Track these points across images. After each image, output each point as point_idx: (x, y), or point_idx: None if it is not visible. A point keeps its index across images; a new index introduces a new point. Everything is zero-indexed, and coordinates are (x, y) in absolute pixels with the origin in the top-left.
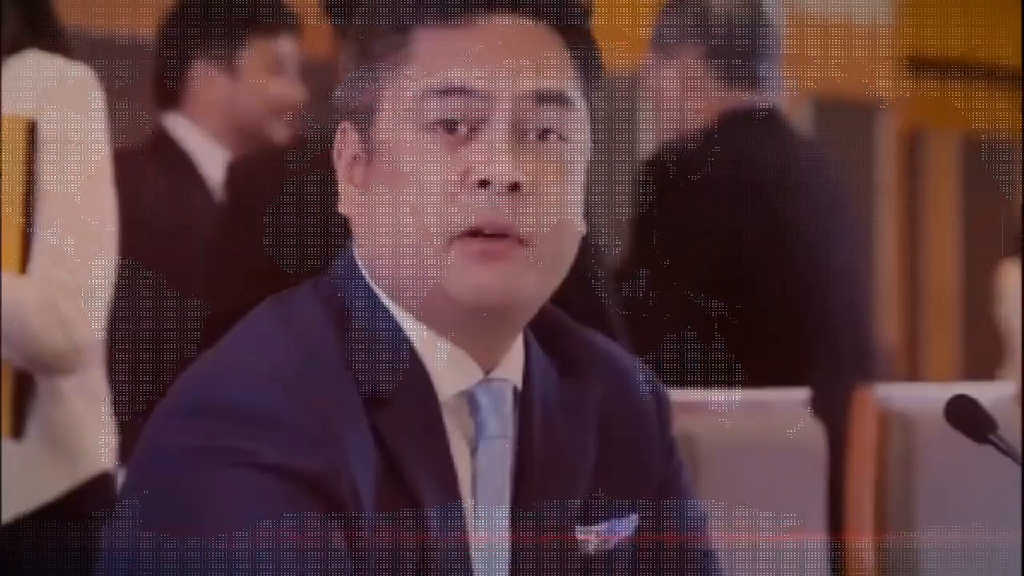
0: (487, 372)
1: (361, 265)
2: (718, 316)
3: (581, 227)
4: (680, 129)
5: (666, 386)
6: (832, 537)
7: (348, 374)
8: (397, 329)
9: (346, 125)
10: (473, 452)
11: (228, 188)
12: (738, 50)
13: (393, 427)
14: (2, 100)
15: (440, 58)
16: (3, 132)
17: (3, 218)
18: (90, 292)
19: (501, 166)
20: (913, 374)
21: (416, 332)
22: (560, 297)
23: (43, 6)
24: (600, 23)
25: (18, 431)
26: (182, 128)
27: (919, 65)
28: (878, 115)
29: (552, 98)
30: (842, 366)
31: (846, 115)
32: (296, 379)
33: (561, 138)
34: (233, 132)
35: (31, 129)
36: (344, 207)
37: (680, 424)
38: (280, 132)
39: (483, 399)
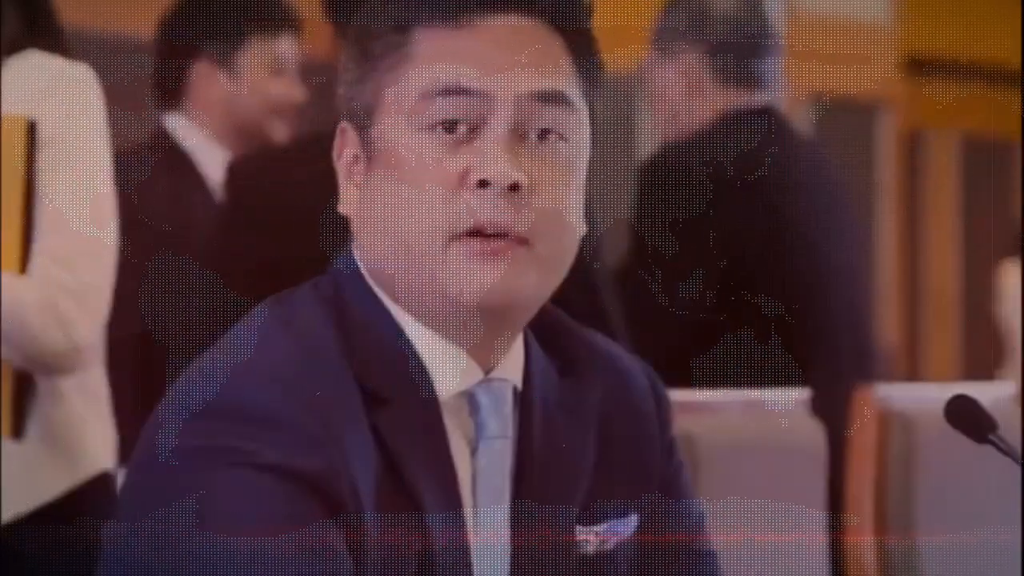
0: (487, 372)
1: (361, 265)
2: (718, 316)
3: (581, 227)
4: (680, 129)
5: (666, 386)
6: (832, 537)
7: (348, 374)
8: (397, 329)
9: (346, 125)
10: (473, 452)
11: (228, 188)
12: (738, 50)
13: (393, 427)
14: (2, 100)
15: (440, 58)
16: (3, 132)
17: (3, 218)
18: (90, 292)
19: (501, 166)
20: (913, 374)
21: (416, 332)
22: (560, 297)
23: (43, 6)
24: (600, 23)
25: (18, 431)
26: (182, 128)
27: (919, 65)
28: (878, 115)
29: (552, 98)
30: (842, 366)
31: (846, 115)
32: (296, 379)
33: (561, 138)
34: (233, 132)
35: (31, 129)
36: (344, 207)
37: (680, 424)
38: (280, 132)
39: (483, 399)
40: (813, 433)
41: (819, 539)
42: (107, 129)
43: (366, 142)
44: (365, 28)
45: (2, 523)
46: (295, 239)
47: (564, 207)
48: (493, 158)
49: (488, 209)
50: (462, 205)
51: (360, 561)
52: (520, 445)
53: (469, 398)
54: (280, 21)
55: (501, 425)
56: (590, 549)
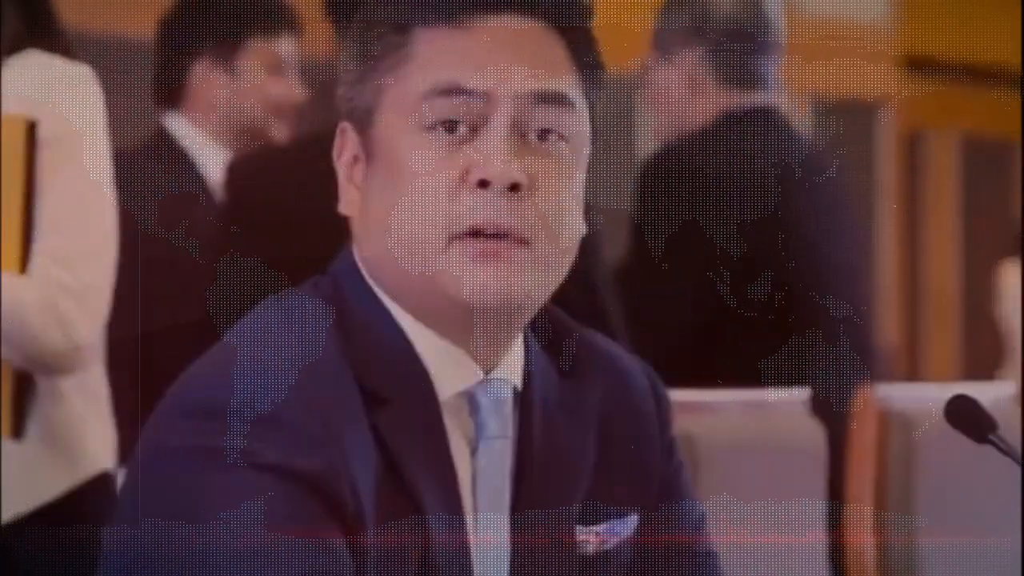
0: (487, 372)
1: (361, 265)
2: (718, 316)
3: (581, 227)
4: (680, 129)
5: (666, 386)
6: (832, 537)
7: (348, 374)
8: (397, 329)
9: (346, 125)
10: (473, 452)
11: (228, 188)
12: (738, 50)
13: (393, 427)
14: (2, 100)
15: (440, 58)
16: (3, 132)
17: (3, 218)
18: (90, 292)
19: (501, 166)
20: (913, 374)
21: (416, 332)
22: (560, 297)
23: (43, 6)
24: (600, 23)
25: (18, 431)
26: (182, 128)
27: (919, 65)
28: (878, 115)
29: (552, 98)
30: (842, 366)
31: (846, 115)
32: (296, 379)
33: (561, 138)
34: (233, 132)
35: (31, 129)
36: (344, 207)
37: (680, 424)
38: (280, 132)
39: (483, 399)
40: (813, 433)
41: (819, 539)
42: (107, 129)
43: (366, 142)
44: (365, 28)
45: (2, 523)
46: (295, 239)
47: (564, 207)
48: (493, 158)
49: (488, 209)
50: (462, 205)
51: (360, 561)
52: (520, 445)
53: (469, 398)
54: (280, 21)
55: (501, 425)
56: (590, 549)
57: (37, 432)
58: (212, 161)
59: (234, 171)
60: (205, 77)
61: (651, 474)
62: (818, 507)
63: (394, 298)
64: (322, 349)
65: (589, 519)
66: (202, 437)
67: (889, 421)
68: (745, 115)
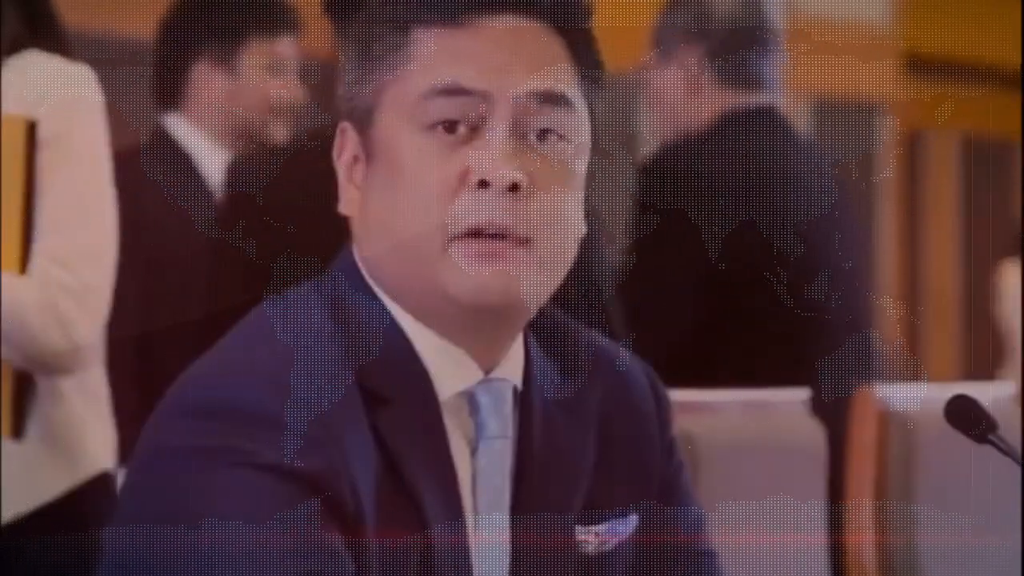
0: (487, 372)
1: (361, 265)
2: (718, 316)
3: (581, 227)
4: (680, 129)
5: (666, 386)
6: (832, 537)
7: (348, 374)
8: (397, 329)
9: (346, 125)
10: (473, 452)
11: (228, 188)
12: (738, 50)
13: (393, 427)
14: (2, 100)
15: (440, 58)
16: (3, 132)
17: (3, 218)
18: (90, 292)
19: (501, 166)
20: (913, 374)
21: (416, 332)
22: (560, 297)
23: (43, 6)
24: (600, 23)
25: (18, 431)
26: (182, 128)
27: (919, 65)
28: (878, 115)
29: (552, 98)
30: (842, 366)
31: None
32: (296, 379)
33: (561, 138)
34: (233, 132)
35: (31, 129)
36: (344, 207)
37: (680, 424)
38: (280, 132)
39: (483, 399)
40: (813, 433)
41: (819, 539)
42: (107, 129)
43: (366, 142)
44: (365, 28)
45: (2, 523)
46: (295, 239)
47: (564, 207)
48: (493, 158)
49: (488, 209)
50: (462, 205)
51: (360, 561)
52: (520, 445)
53: (469, 398)
54: (280, 21)
55: (501, 425)
56: (590, 549)
57: (37, 432)
58: (212, 161)
59: (234, 171)
60: (205, 77)
61: (651, 474)
62: (818, 507)
63: (394, 298)
64: (322, 349)
65: (589, 519)
66: (202, 437)
67: (889, 421)
68: (745, 115)
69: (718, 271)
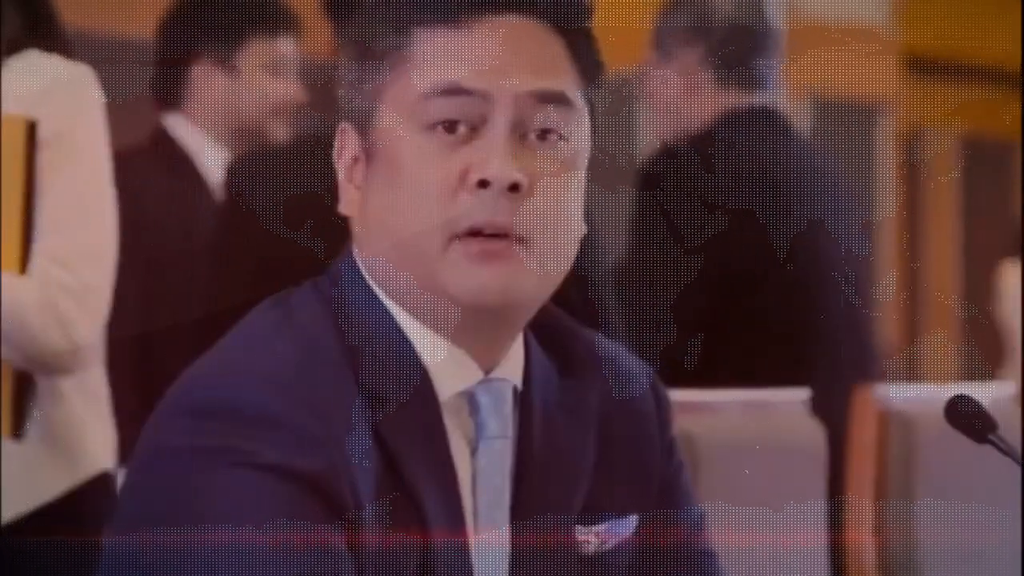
0: (487, 372)
1: (361, 265)
2: (718, 316)
3: (581, 227)
4: (680, 129)
5: (666, 386)
6: (832, 537)
7: (348, 374)
8: (397, 329)
9: (346, 125)
10: (473, 452)
11: (228, 188)
12: (738, 50)
13: (393, 427)
14: (2, 100)
15: (440, 58)
16: (3, 132)
17: (3, 218)
18: (90, 292)
19: (501, 166)
20: (913, 374)
21: (416, 332)
22: (560, 297)
23: (43, 6)
24: (600, 23)
25: (18, 431)
26: (182, 128)
27: (919, 65)
28: (878, 115)
29: (552, 98)
30: (842, 366)
31: (846, 115)
32: (296, 379)
33: (561, 138)
34: (233, 132)
35: (31, 129)
36: (344, 207)
37: (680, 424)
38: (280, 132)
39: (483, 399)
40: (813, 433)
41: (819, 539)
42: (107, 129)
43: (366, 142)
44: (365, 28)
45: (2, 523)
46: (295, 239)
47: (564, 207)
48: (493, 158)
49: (488, 209)
50: (462, 205)
51: (360, 561)
52: (520, 445)
53: (469, 398)
54: (280, 21)
55: (501, 425)
56: (590, 549)
57: (37, 432)
58: (212, 161)
59: (234, 171)
60: (205, 77)
61: (651, 474)
62: (818, 507)
63: (394, 298)
64: (322, 349)
65: (589, 519)
66: (202, 437)
67: (889, 421)
68: (745, 115)
69: (718, 271)
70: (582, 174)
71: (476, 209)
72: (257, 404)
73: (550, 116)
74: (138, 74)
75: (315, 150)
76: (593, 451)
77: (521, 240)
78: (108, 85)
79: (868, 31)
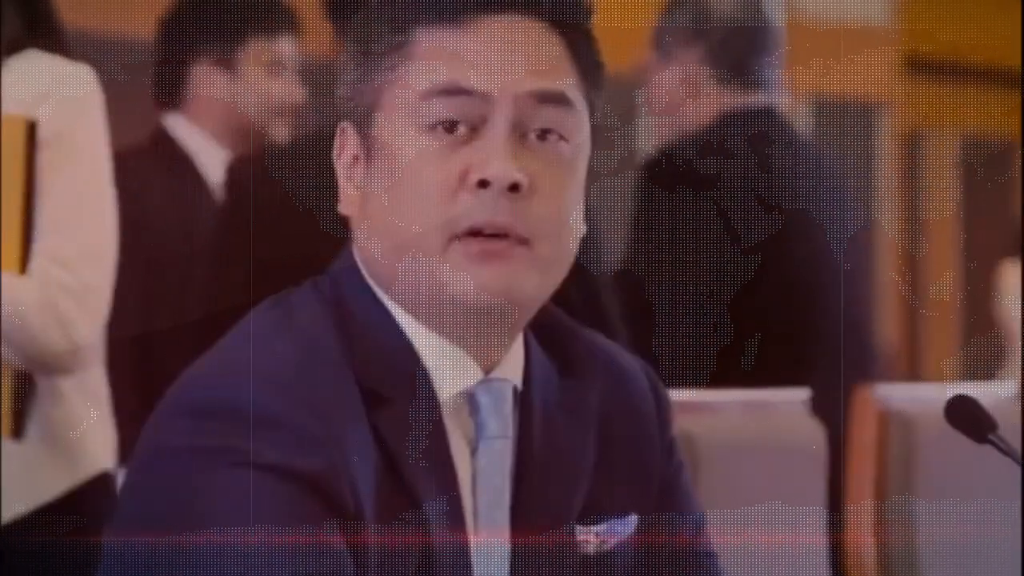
0: (487, 372)
1: (361, 265)
2: (719, 316)
3: (581, 227)
4: (680, 129)
5: (666, 386)
6: (832, 537)
7: (348, 374)
8: (397, 329)
9: (346, 125)
10: (473, 452)
11: (228, 188)
12: (738, 50)
13: (393, 427)
14: (2, 100)
15: (440, 58)
16: (3, 132)
17: (3, 218)
18: (90, 292)
19: (501, 166)
20: (913, 374)
21: (416, 332)
22: (560, 297)
23: (43, 6)
24: (600, 23)
25: (18, 431)
26: (182, 128)
27: (919, 65)
28: (878, 115)
29: (552, 98)
30: (842, 366)
31: (846, 115)
32: (296, 379)
33: (561, 138)
34: (233, 132)
35: (31, 129)
36: (344, 207)
37: (680, 424)
38: (280, 132)
39: (483, 399)
40: (813, 433)
41: (819, 539)
42: (107, 129)
43: (366, 142)
44: (365, 28)
45: (2, 523)
46: (295, 239)
47: (564, 207)
48: (493, 158)
49: (488, 209)
50: (462, 205)
51: (360, 561)
52: (520, 445)
53: (469, 398)
54: (280, 21)
55: (501, 425)
56: (590, 549)
57: (37, 432)
58: (212, 161)
59: (234, 171)
60: (205, 77)
61: (651, 474)
62: (818, 507)
63: (394, 298)
64: (322, 349)
65: (589, 519)
66: (202, 437)
67: (889, 421)
68: (745, 115)
69: (718, 271)
70: (582, 174)
71: (476, 209)
72: (257, 404)
73: (550, 116)
74: (138, 74)
75: (315, 150)
76: (593, 451)
77: (521, 240)
78: (108, 85)
79: (868, 31)
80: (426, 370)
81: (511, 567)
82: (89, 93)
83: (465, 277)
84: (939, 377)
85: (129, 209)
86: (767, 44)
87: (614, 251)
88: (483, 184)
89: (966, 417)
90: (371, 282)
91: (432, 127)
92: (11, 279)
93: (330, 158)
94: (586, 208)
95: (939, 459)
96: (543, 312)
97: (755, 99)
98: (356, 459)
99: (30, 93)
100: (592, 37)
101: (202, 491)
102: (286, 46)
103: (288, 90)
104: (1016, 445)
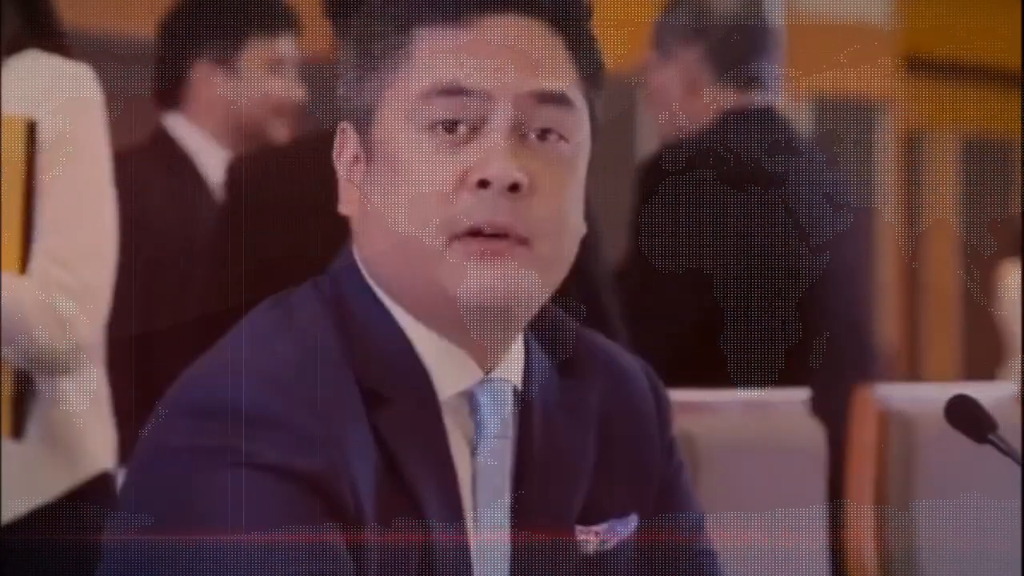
0: (487, 372)
1: (361, 265)
2: (718, 315)
3: (581, 227)
4: (680, 129)
5: (666, 386)
6: (832, 537)
7: (348, 374)
8: (397, 329)
9: (346, 125)
10: (473, 452)
11: (228, 188)
12: (738, 50)
13: (393, 427)
14: (2, 100)
15: (440, 58)
16: (3, 132)
17: (3, 218)
18: (90, 292)
19: (501, 166)
20: (913, 374)
21: (416, 332)
22: (560, 297)
23: (43, 6)
24: (600, 23)
25: (18, 431)
26: (182, 128)
27: (919, 65)
28: (878, 115)
29: (552, 98)
30: (842, 366)
31: (846, 115)
32: (296, 379)
33: (561, 138)
34: (233, 132)
35: (31, 129)
36: (344, 207)
37: (680, 424)
38: (280, 132)
39: (483, 399)
40: (813, 433)
41: (819, 539)
42: (107, 129)
43: (366, 142)
44: (365, 27)
45: (2, 523)
46: (295, 239)
47: (564, 207)
48: (493, 158)
49: (488, 209)
50: (462, 205)
51: (360, 561)
52: (520, 445)
53: (469, 398)
54: (280, 21)
55: (501, 425)
56: (590, 549)
57: (37, 432)
58: (212, 161)
59: (234, 171)
60: (205, 77)
61: (651, 474)
62: (818, 507)
63: (394, 298)
64: (322, 349)
65: (589, 519)
66: (202, 437)
67: (889, 421)
68: (745, 115)
69: (718, 270)
70: (582, 174)
71: (476, 209)
72: (257, 404)
73: (550, 116)
74: (138, 74)
75: (315, 150)
76: (593, 451)
77: (521, 240)
78: (108, 85)
79: (868, 31)
80: (426, 370)
81: (511, 567)
82: (89, 93)
83: (465, 277)
84: (939, 377)
85: (129, 209)
86: (767, 43)
87: (614, 251)
88: (483, 184)
89: (966, 417)
90: (371, 282)
91: (432, 127)
92: (11, 279)
93: (330, 158)
94: (586, 208)
95: (939, 459)
96: (543, 312)
97: (755, 99)
98: (356, 460)
99: (30, 93)
100: (592, 37)
101: (202, 491)
102: (286, 46)
103: (288, 90)
104: (1016, 445)
